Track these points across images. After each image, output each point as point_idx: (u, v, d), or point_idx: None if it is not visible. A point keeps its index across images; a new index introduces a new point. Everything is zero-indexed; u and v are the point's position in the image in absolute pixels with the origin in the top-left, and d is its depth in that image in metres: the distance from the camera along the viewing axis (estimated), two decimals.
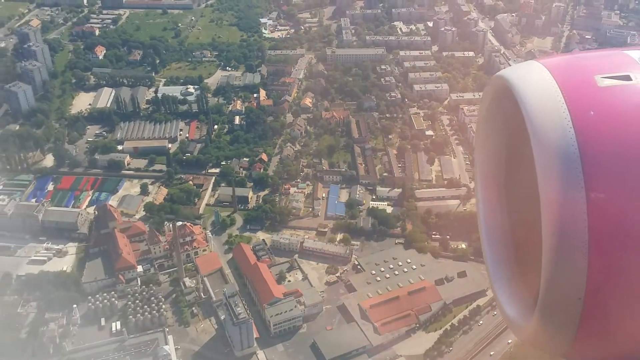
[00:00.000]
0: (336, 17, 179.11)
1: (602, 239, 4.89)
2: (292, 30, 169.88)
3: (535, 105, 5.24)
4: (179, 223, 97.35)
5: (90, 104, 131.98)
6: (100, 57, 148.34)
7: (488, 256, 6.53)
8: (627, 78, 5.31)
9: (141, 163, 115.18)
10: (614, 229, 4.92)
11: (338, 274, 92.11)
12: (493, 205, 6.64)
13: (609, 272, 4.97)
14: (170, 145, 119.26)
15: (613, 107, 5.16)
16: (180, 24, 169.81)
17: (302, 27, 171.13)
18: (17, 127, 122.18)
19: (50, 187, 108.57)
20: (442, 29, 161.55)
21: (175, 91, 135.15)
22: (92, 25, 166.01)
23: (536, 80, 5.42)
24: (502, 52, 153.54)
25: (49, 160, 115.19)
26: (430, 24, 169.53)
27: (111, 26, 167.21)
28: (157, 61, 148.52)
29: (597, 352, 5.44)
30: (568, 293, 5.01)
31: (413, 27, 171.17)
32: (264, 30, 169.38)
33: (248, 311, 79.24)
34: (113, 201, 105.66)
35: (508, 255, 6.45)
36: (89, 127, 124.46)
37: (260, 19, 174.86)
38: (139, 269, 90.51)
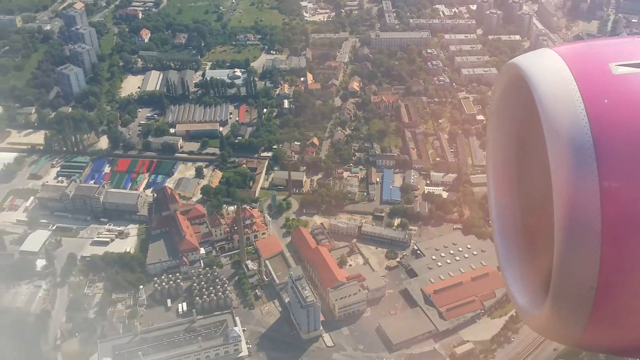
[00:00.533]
0: (375, 1, 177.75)
1: (615, 228, 4.79)
2: (333, 14, 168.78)
3: (549, 93, 5.13)
4: (233, 207, 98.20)
5: (139, 87, 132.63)
6: (146, 41, 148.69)
7: (499, 245, 6.44)
8: None
9: (193, 146, 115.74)
10: (627, 218, 4.82)
11: (398, 259, 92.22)
12: (505, 194, 6.54)
13: (621, 261, 4.87)
14: (221, 129, 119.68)
15: (628, 95, 5.02)
16: (221, 7, 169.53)
17: (343, 10, 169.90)
18: (70, 110, 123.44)
19: (107, 169, 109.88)
20: (487, 12, 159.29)
21: (222, 75, 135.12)
22: (134, 8, 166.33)
23: (550, 68, 5.30)
24: (549, 35, 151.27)
25: (103, 143, 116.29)
26: (474, 7, 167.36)
27: (153, 9, 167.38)
28: (202, 44, 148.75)
29: (608, 340, 5.36)
30: (580, 282, 4.94)
31: (456, 10, 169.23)
32: (304, 14, 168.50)
33: (315, 295, 79.81)
34: (169, 184, 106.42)
35: (519, 244, 6.35)
36: (139, 109, 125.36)
37: (301, 2, 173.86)
38: (202, 251, 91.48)
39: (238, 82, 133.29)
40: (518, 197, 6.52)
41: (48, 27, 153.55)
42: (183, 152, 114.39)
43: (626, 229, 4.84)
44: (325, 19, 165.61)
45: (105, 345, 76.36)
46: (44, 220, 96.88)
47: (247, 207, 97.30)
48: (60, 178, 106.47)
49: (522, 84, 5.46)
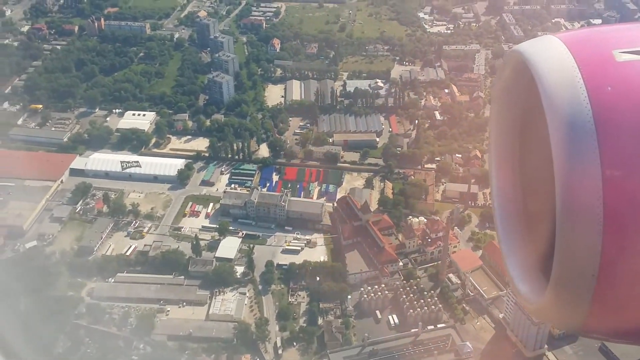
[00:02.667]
0: (491, 12, 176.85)
1: (617, 215, 4.79)
2: (452, 26, 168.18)
3: (551, 80, 5.10)
4: (418, 219, 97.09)
5: (282, 96, 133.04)
6: (277, 50, 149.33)
7: (501, 232, 6.43)
8: None
9: (353, 156, 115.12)
10: (629, 206, 4.81)
11: None
12: (507, 181, 6.52)
13: (623, 249, 4.86)
14: (378, 139, 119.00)
15: (631, 83, 4.97)
16: (341, 18, 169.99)
17: (460, 22, 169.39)
18: (222, 117, 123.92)
19: (275, 177, 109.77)
20: None
21: (363, 85, 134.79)
22: (256, 17, 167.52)
23: (553, 55, 5.26)
24: None
25: (263, 151, 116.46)
26: (598, 21, 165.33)
27: (274, 19, 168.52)
28: (332, 55, 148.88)
29: (610, 326, 5.36)
30: (582, 269, 4.93)
31: (577, 24, 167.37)
32: (425, 25, 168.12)
33: None
34: (339, 194, 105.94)
35: (521, 231, 6.33)
36: (290, 118, 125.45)
37: (417, 13, 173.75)
38: (400, 262, 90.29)
39: (381, 92, 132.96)
40: (520, 184, 6.51)
41: (177, 35, 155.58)
42: (345, 162, 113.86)
43: (628, 216, 4.82)
44: (444, 31, 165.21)
45: (337, 356, 75.32)
46: (232, 227, 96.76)
47: (439, 220, 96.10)
48: (233, 185, 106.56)
49: (525, 71, 5.44)
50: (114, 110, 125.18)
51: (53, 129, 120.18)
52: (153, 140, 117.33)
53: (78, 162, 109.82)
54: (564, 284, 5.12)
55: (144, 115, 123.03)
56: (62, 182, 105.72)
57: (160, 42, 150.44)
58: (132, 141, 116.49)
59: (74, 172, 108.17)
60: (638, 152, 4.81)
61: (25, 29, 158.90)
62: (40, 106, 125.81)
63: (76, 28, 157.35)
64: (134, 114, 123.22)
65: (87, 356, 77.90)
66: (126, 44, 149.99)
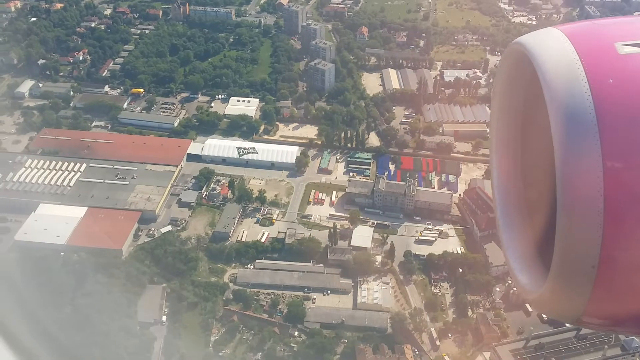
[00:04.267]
0: (570, 4, 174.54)
1: (617, 207, 4.81)
2: (533, 16, 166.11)
3: (553, 73, 5.10)
4: None
5: (380, 85, 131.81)
6: (366, 38, 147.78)
7: (501, 223, 6.44)
8: None
9: (465, 147, 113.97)
10: (630, 198, 4.83)
11: None
12: (508, 172, 6.54)
13: (623, 241, 4.88)
14: (488, 130, 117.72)
15: (633, 75, 4.98)
16: (422, 7, 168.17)
17: (540, 13, 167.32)
18: (325, 105, 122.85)
19: (391, 166, 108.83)
20: None
21: (461, 74, 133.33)
22: (336, 5, 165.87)
23: (554, 47, 5.27)
24: None
25: (372, 139, 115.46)
26: None
27: (354, 7, 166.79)
28: (421, 44, 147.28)
29: (608, 318, 5.41)
30: (582, 261, 4.96)
31: None
32: (507, 16, 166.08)
33: None
34: (460, 184, 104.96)
35: (522, 223, 6.34)
36: (394, 107, 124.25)
37: (499, 4, 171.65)
38: None
39: (481, 82, 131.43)
40: (521, 175, 6.52)
41: (264, 22, 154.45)
42: (458, 153, 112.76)
43: (628, 208, 4.84)
44: (527, 22, 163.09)
45: (502, 349, 74.64)
46: (362, 217, 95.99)
47: None
48: (351, 173, 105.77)
49: (526, 63, 5.43)
50: (217, 96, 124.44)
51: (162, 113, 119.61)
52: (262, 127, 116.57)
53: (193, 148, 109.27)
54: (563, 275, 5.14)
55: (248, 101, 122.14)
56: (181, 167, 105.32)
57: (248, 29, 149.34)
58: (242, 127, 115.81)
59: (190, 157, 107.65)
60: (638, 145, 4.81)
61: (108, 12, 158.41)
62: (142, 90, 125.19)
63: (160, 12, 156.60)
64: (238, 100, 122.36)
65: (245, 343, 77.66)
66: (214, 30, 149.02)
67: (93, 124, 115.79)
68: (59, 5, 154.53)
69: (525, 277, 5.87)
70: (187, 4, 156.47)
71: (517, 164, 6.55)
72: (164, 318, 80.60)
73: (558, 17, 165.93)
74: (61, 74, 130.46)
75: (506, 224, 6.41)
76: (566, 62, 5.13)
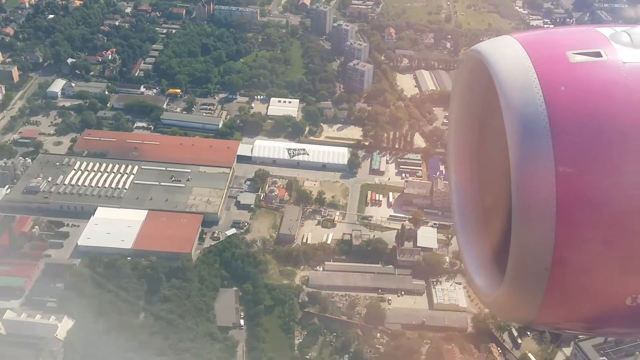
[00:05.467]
0: (580, 8, 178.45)
1: (569, 211, 4.99)
2: (548, 20, 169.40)
3: (508, 80, 5.29)
4: None
5: (415, 86, 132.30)
6: (394, 39, 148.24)
7: (459, 226, 6.61)
8: (598, 55, 5.37)
9: None
10: (582, 202, 5.02)
11: None
12: (465, 177, 6.73)
13: (575, 244, 5.07)
14: None
15: (583, 83, 5.23)
16: (442, 9, 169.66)
17: (554, 17, 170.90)
18: (366, 106, 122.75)
19: (441, 167, 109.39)
20: None
21: None
22: (358, 6, 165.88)
23: (510, 55, 5.45)
24: None
25: (418, 140, 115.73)
26: None
27: (376, 8, 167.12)
28: (448, 45, 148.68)
29: (561, 319, 5.62)
30: (535, 264, 5.11)
31: None
32: (525, 19, 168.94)
33: None
34: None
35: (478, 227, 6.52)
36: (433, 108, 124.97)
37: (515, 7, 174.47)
38: None
39: None
40: (478, 180, 6.72)
41: (292, 22, 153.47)
42: None
43: (580, 212, 5.03)
44: (543, 25, 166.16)
45: (585, 344, 75.76)
46: (424, 218, 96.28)
47: None
48: (404, 174, 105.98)
49: (483, 70, 5.60)
50: (256, 97, 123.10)
51: (204, 114, 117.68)
52: (307, 129, 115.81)
53: (242, 149, 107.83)
54: (518, 277, 5.27)
55: (289, 102, 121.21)
56: (233, 168, 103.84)
57: (275, 29, 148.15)
58: (287, 128, 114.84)
59: (240, 159, 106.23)
60: (590, 150, 5.01)
61: (128, 10, 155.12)
62: (179, 91, 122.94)
63: (184, 12, 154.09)
64: (279, 101, 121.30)
65: (328, 345, 77.03)
66: (240, 30, 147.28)
67: (135, 125, 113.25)
68: (78, 2, 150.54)
69: (482, 280, 5.99)
70: (212, 3, 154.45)
71: (474, 169, 6.69)
72: (242, 322, 79.52)
73: (571, 20, 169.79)
74: (91, 73, 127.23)
75: (463, 227, 6.54)
76: (521, 70, 5.27)
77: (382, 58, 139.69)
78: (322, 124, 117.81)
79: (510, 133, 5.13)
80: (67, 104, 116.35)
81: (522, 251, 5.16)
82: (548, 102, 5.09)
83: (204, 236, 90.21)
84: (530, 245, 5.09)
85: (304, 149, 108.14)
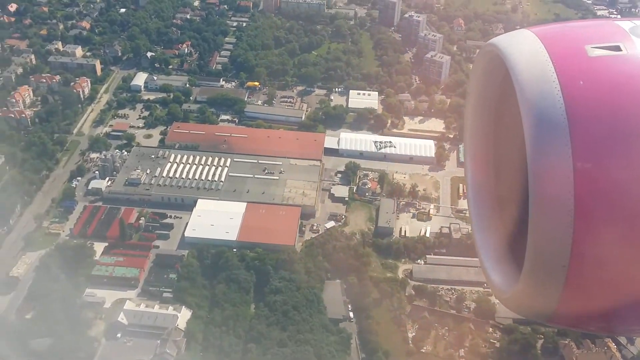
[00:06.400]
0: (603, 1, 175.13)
1: (587, 207, 4.87)
2: (614, 10, 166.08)
3: (526, 74, 5.19)
4: None
5: None
6: (463, 30, 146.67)
7: (475, 224, 6.48)
8: (617, 49, 5.22)
9: None
10: (599, 198, 4.89)
11: None
12: (482, 173, 6.55)
13: (593, 241, 4.92)
14: None
15: (602, 78, 5.09)
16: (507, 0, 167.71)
17: (618, 7, 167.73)
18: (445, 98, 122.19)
19: None
20: None
21: None
22: None
23: (527, 49, 5.36)
24: None
25: None
26: None
27: None
28: None
29: (578, 316, 5.48)
30: (553, 259, 5.02)
31: None
32: (591, 9, 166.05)
33: None
34: None
35: (495, 223, 6.37)
36: None
37: None
38: None
39: None
40: (495, 176, 6.56)
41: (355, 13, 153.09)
42: None
43: (598, 208, 4.90)
44: (608, 15, 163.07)
45: None
46: None
47: None
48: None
49: (500, 64, 5.51)
50: (334, 89, 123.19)
51: (285, 107, 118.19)
52: (389, 121, 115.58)
53: (327, 141, 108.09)
54: (535, 274, 5.21)
55: (369, 94, 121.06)
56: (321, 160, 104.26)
57: (344, 21, 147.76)
58: (369, 121, 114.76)
59: (326, 151, 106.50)
60: (608, 145, 4.89)
61: (196, 3, 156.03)
62: (257, 84, 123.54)
63: (251, 4, 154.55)
64: (358, 94, 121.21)
65: (442, 339, 77.21)
66: (308, 22, 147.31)
67: (219, 118, 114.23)
68: None
69: (498, 276, 5.96)
70: None
71: (490, 163, 6.58)
72: (351, 314, 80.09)
73: (636, 10, 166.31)
74: (170, 66, 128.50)
75: (480, 224, 6.49)
76: (538, 63, 5.21)
77: (455, 49, 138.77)
78: (403, 117, 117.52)
79: (527, 127, 5.09)
80: (151, 97, 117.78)
81: (540, 247, 5.12)
82: (566, 96, 5.04)
83: (302, 229, 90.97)
84: (548, 240, 5.05)
85: (390, 142, 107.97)
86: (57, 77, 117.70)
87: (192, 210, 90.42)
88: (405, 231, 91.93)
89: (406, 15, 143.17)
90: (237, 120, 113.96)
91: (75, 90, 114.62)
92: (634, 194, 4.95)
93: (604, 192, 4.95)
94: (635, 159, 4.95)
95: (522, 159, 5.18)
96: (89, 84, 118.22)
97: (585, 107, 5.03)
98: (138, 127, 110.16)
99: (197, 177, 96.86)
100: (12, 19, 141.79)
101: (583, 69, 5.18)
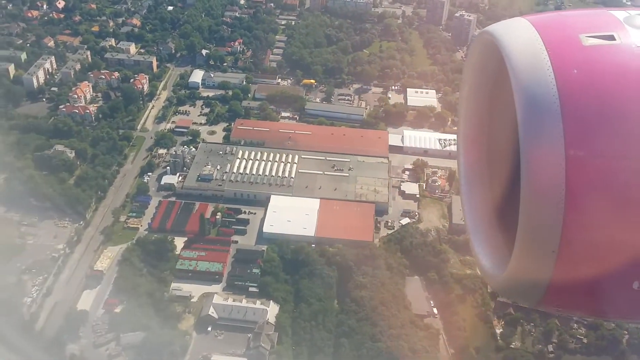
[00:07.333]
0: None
1: (578, 194, 4.91)
2: None
3: (520, 62, 5.20)
4: None
5: None
6: None
7: (467, 208, 6.48)
8: (611, 38, 5.25)
9: None
10: (591, 185, 4.93)
11: None
12: (474, 159, 6.54)
13: (583, 227, 4.97)
14: None
15: (596, 67, 5.12)
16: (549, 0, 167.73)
17: None
18: None
19: None
20: None
21: None
22: None
23: (522, 37, 5.37)
24: None
25: None
26: None
27: None
28: None
29: (567, 302, 5.55)
30: (543, 245, 5.05)
31: None
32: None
33: None
34: None
35: (487, 208, 6.37)
36: None
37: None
38: None
39: None
40: (487, 162, 6.55)
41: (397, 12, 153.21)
42: None
43: (589, 195, 4.94)
44: None
45: None
46: None
47: None
48: None
49: (495, 52, 5.51)
50: (391, 87, 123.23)
51: (346, 104, 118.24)
52: (450, 119, 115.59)
53: (391, 139, 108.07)
54: (525, 259, 5.24)
55: (427, 92, 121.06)
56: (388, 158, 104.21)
57: (392, 19, 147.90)
58: (430, 119, 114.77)
59: (390, 149, 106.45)
60: (600, 134, 4.93)
61: (242, 2, 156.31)
62: (314, 81, 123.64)
63: (297, 2, 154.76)
64: (416, 92, 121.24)
65: (529, 335, 76.93)
66: (356, 20, 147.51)
67: (280, 115, 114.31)
68: None
69: (489, 261, 5.98)
70: None
71: (484, 150, 6.57)
72: (435, 310, 80.00)
73: None
74: (224, 64, 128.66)
75: (471, 210, 6.49)
76: (533, 51, 5.22)
77: None
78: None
79: (520, 115, 5.09)
80: (210, 94, 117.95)
81: (530, 233, 5.12)
82: (559, 84, 5.05)
83: (377, 225, 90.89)
84: (538, 227, 5.07)
85: (455, 140, 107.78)
86: (117, 74, 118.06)
87: (264, 206, 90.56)
88: None
89: (457, 15, 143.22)
90: (297, 118, 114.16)
91: (135, 87, 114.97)
92: (625, 181, 4.99)
93: (595, 179, 4.99)
94: (628, 148, 4.99)
95: (514, 145, 5.23)
96: (147, 81, 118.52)
97: (578, 95, 5.08)
98: (200, 124, 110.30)
99: (267, 173, 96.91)
100: (62, 16, 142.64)
101: (577, 57, 5.23)
